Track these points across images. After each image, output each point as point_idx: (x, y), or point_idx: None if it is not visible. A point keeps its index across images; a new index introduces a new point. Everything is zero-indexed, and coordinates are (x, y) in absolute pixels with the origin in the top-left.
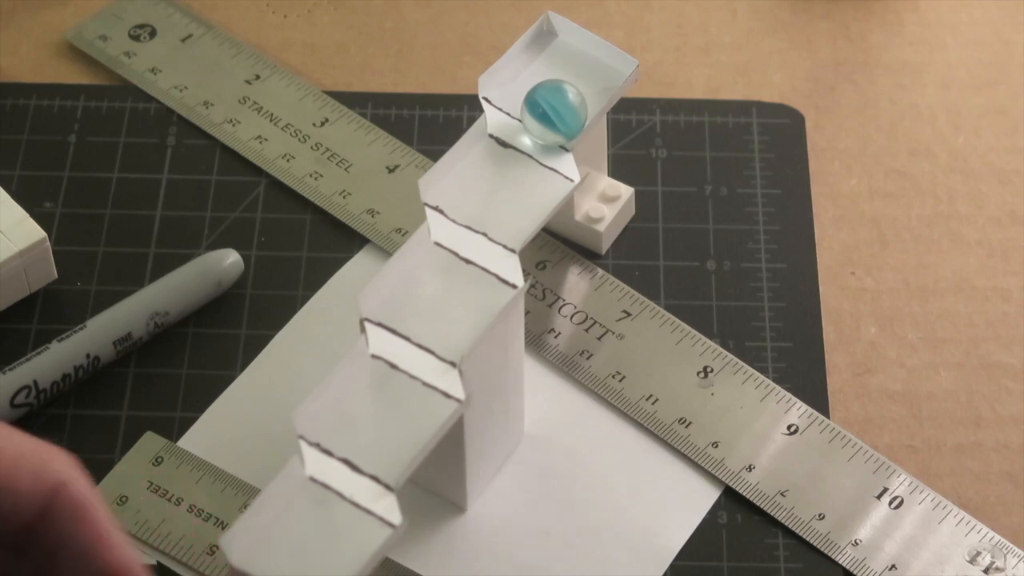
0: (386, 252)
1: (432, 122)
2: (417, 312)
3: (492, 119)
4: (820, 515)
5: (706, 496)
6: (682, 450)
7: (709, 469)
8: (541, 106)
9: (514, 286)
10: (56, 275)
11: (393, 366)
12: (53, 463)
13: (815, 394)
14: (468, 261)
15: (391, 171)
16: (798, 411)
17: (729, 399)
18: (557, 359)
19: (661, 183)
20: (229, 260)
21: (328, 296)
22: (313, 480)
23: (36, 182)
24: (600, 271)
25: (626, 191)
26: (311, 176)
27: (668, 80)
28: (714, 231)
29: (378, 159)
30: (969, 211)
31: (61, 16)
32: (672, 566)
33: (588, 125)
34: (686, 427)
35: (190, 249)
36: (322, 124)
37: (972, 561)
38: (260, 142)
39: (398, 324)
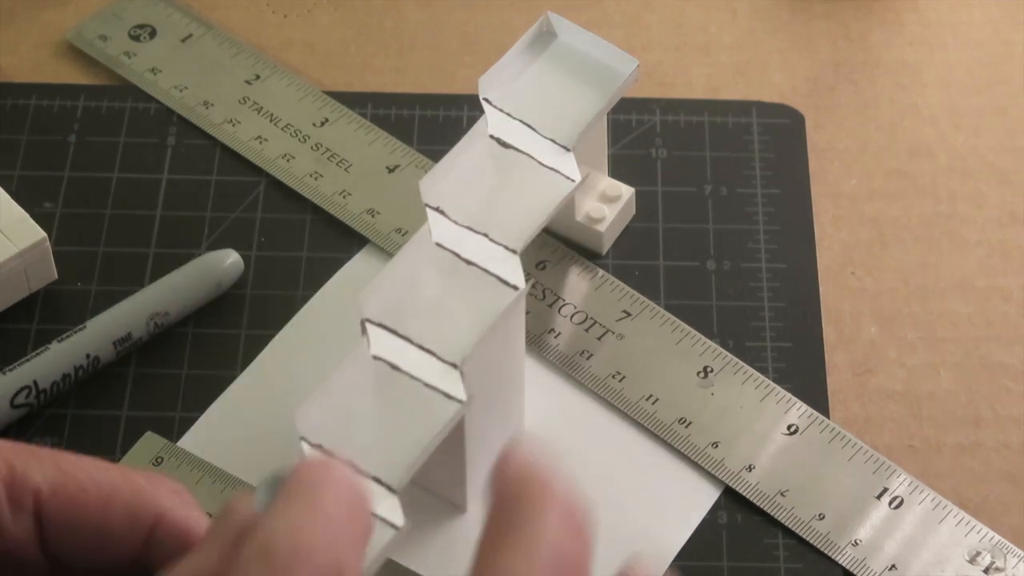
0: (386, 252)
1: (432, 122)
2: (418, 313)
3: (493, 120)
4: (820, 515)
5: (706, 496)
6: (682, 450)
7: (709, 469)
8: None
9: (515, 287)
10: (56, 275)
11: (394, 367)
12: (150, 497)
13: (815, 394)
14: (469, 262)
15: (391, 171)
16: (798, 411)
17: (729, 399)
18: (557, 359)
19: (661, 183)
20: (229, 260)
21: (328, 296)
22: None
23: (36, 182)
24: (600, 271)
25: (626, 191)
26: (311, 176)
27: (668, 80)
28: (714, 231)
29: (378, 159)
30: (969, 211)
31: (61, 16)
32: (672, 566)
33: (587, 127)
34: (686, 427)
35: (190, 249)
36: (322, 124)
37: (972, 561)
38: (260, 142)
39: (399, 325)
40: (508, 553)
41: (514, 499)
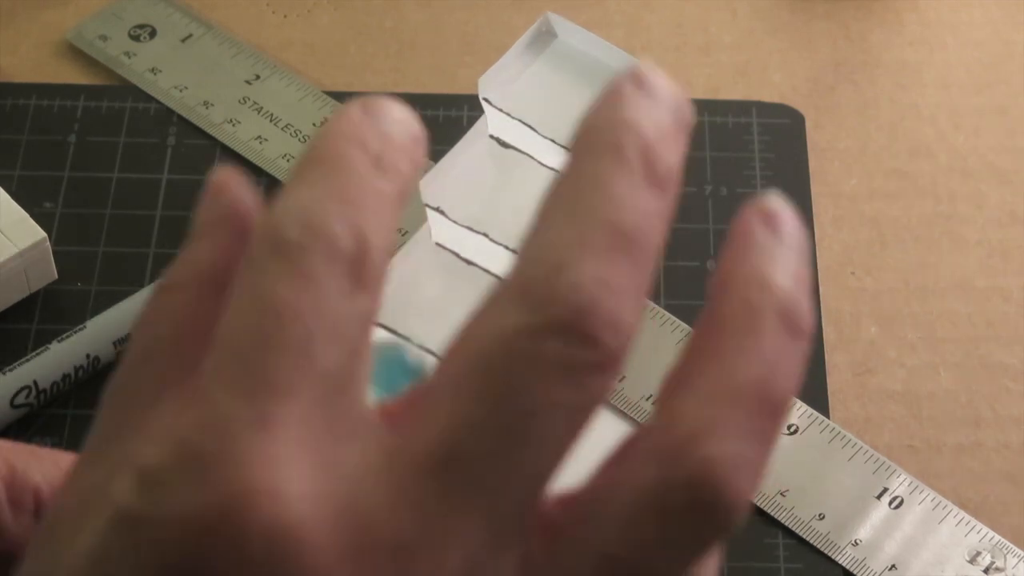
0: None
1: (432, 122)
2: (418, 313)
3: (493, 120)
4: (820, 515)
5: None
6: None
7: None
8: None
9: None
10: (56, 275)
11: None
12: (23, 479)
13: (815, 394)
14: (469, 262)
15: None
16: (798, 411)
17: None
18: None
19: None
20: None
21: None
22: None
23: (36, 182)
24: None
25: None
26: None
27: None
28: (714, 231)
29: None
30: (969, 211)
31: (61, 16)
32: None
33: None
34: None
35: None
36: (322, 124)
37: (972, 561)
38: (260, 142)
39: (399, 325)
40: (552, 224)
41: (582, 154)
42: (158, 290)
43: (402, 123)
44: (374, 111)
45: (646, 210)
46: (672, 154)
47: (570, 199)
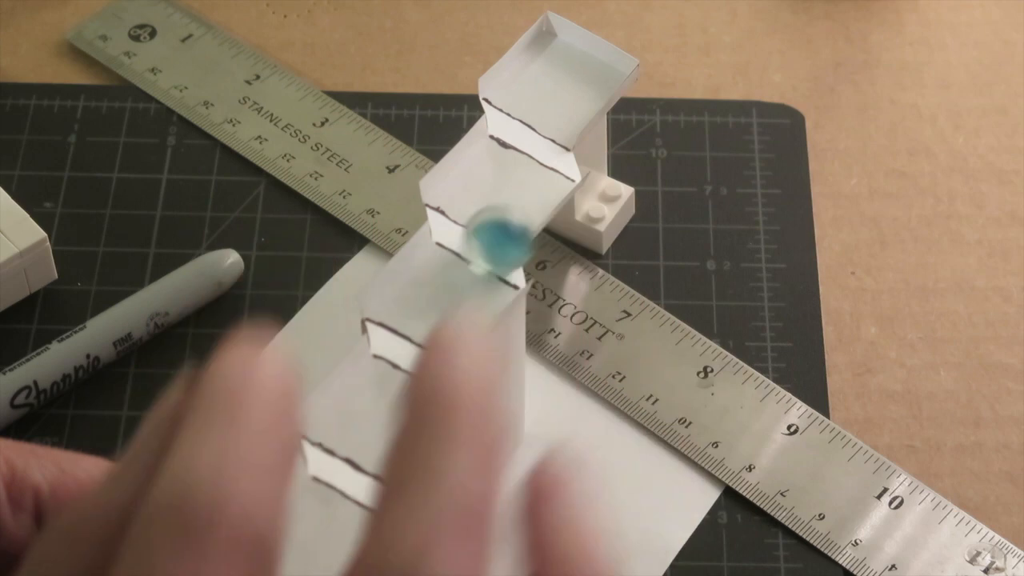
0: (386, 252)
1: (432, 122)
2: (419, 312)
3: (493, 120)
4: (820, 515)
5: (706, 496)
6: (682, 450)
7: (709, 469)
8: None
9: (515, 287)
10: (56, 275)
11: (395, 366)
12: (23, 478)
13: (815, 394)
14: (469, 262)
15: (391, 171)
16: (798, 411)
17: (729, 399)
18: (557, 359)
19: (661, 183)
20: (229, 260)
21: (328, 296)
22: (316, 480)
23: (36, 182)
24: (600, 271)
25: (626, 191)
26: (311, 176)
27: (668, 80)
28: (714, 231)
29: (378, 159)
30: (969, 211)
31: (61, 16)
32: (672, 566)
33: (587, 126)
34: (686, 427)
35: (190, 249)
36: (322, 124)
37: (972, 561)
38: (260, 142)
39: (399, 324)
40: (402, 511)
41: (416, 426)
42: (62, 521)
43: (284, 374)
44: (257, 363)
45: (484, 490)
46: (501, 413)
47: (410, 485)
